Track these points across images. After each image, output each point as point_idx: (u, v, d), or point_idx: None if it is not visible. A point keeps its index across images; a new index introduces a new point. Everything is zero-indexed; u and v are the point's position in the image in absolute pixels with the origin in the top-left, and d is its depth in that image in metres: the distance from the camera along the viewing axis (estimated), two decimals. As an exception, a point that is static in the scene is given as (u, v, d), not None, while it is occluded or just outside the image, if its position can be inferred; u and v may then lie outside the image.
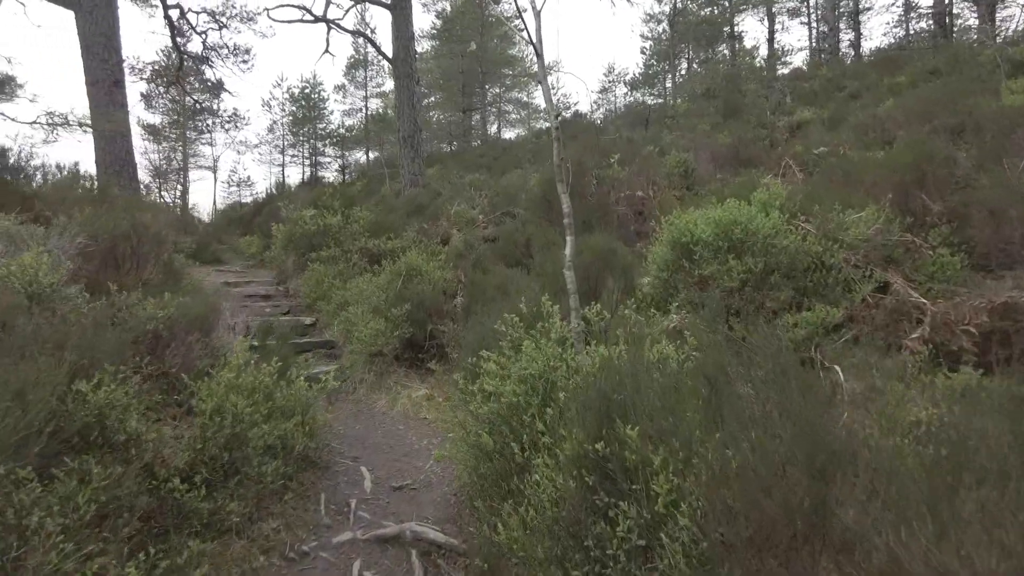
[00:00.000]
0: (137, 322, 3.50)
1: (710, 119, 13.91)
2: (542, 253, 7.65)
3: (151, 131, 24.43)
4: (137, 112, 28.98)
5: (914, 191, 5.40)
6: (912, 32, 23.89)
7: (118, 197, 6.29)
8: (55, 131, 9.86)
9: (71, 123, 9.73)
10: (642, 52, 33.87)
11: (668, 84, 33.74)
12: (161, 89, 16.17)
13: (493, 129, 33.27)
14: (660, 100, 32.38)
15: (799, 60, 26.28)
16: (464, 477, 3.03)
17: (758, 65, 24.44)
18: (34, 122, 9.68)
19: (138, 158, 23.32)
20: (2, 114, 9.09)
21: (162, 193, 23.80)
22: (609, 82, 34.31)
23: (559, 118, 3.38)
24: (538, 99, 40.30)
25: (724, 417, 2.13)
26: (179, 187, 26.64)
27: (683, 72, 32.14)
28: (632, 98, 34.94)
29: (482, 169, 16.03)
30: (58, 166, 8.26)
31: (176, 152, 26.43)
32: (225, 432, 3.09)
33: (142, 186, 16.45)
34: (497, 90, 33.21)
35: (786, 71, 22.20)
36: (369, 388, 5.89)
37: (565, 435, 2.29)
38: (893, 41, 24.89)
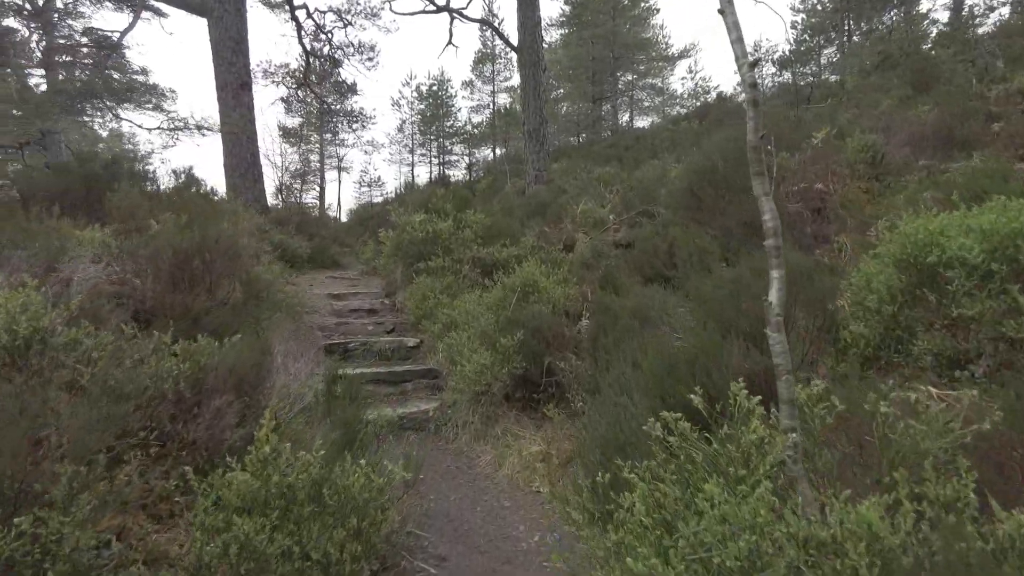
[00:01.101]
0: (141, 383, 2.57)
1: (896, 92, 11.37)
2: (690, 265, 6.16)
3: (289, 134, 25.43)
4: (278, 115, 30.50)
5: None
6: None
7: (195, 203, 5.71)
8: (176, 135, 9.84)
9: (189, 126, 9.62)
10: (793, 27, 30.36)
11: (823, 60, 29.95)
12: (293, 91, 16.25)
13: (624, 118, 31.38)
14: (813, 79, 28.77)
15: (992, 20, 21.70)
16: None
17: (942, 28, 20.54)
18: (157, 128, 9.70)
19: (277, 160, 24.32)
20: (130, 121, 9.11)
21: (301, 195, 24.69)
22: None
23: (755, 64, 1.96)
24: (674, 84, 37.73)
25: None
26: (316, 188, 27.67)
27: (844, 45, 28.23)
28: (781, 78, 31.49)
29: (612, 161, 14.53)
30: (174, 170, 8.10)
31: (313, 153, 27.46)
32: (228, 567, 2.05)
33: (276, 188, 16.81)
34: (629, 77, 31.28)
35: (982, 31, 18.28)
36: (473, 436, 4.77)
37: None
38: None
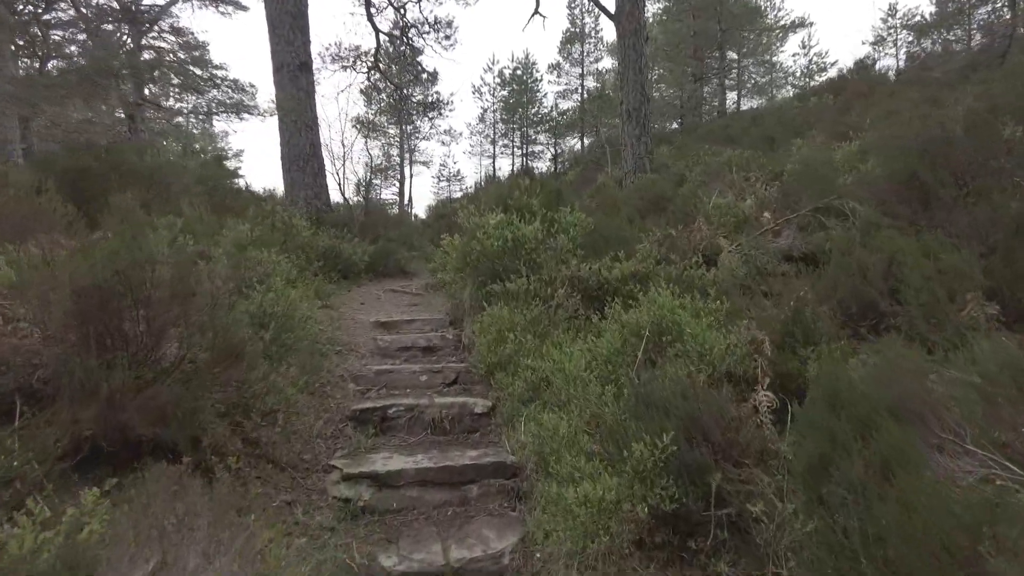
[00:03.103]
0: None
1: None
2: (924, 295, 3.80)
3: (364, 125, 24.13)
4: (355, 106, 29.18)
5: None
6: None
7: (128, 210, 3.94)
8: (210, 120, 8.33)
9: (227, 111, 8.06)
10: (937, -16, 25.96)
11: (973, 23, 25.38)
12: (365, 76, 14.64)
13: (731, 98, 28.07)
14: (961, 44, 24.41)
15: None
16: None
17: None
18: (190, 111, 8.23)
19: (351, 154, 23.01)
20: (143, 102, 7.70)
21: (370, 190, 23.35)
22: (887, 29, 27.00)
23: None
24: (785, 61, 33.77)
25: None
26: (396, 184, 26.41)
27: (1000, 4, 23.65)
28: (916, 48, 27.16)
29: (732, 144, 11.94)
30: (206, 162, 6.60)
31: (392, 147, 26.15)
32: None
33: (338, 183, 15.35)
34: (734, 55, 27.94)
35: None
36: (579, 615, 2.68)
37: None
38: None
